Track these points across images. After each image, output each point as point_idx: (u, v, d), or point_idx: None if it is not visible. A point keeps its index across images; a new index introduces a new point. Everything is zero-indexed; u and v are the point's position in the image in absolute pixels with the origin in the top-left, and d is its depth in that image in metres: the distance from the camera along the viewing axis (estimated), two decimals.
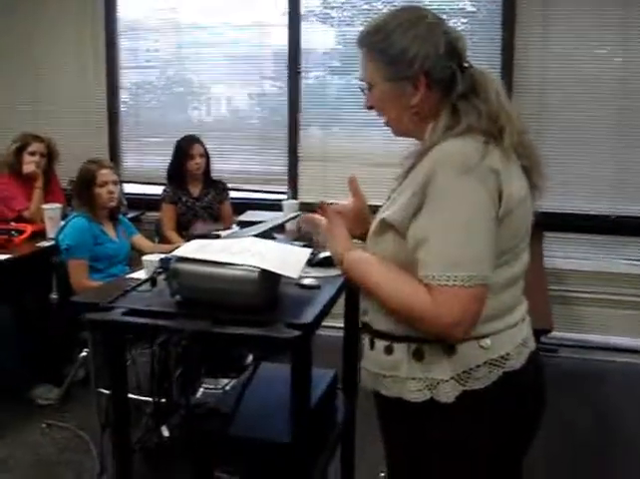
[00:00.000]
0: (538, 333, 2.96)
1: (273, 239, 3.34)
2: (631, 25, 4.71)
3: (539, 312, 3.01)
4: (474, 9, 5.05)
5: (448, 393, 1.63)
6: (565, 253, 5.00)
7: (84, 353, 3.78)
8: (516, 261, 1.69)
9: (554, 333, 4.84)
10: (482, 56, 4.91)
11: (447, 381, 1.63)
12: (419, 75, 1.67)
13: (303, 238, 3.47)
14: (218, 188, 4.99)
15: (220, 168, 5.16)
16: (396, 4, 5.01)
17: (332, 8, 5.29)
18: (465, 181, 1.54)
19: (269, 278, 2.10)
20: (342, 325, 2.95)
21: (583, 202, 4.95)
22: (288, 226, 4.38)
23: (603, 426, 3.96)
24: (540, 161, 1.73)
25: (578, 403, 4.19)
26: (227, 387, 3.33)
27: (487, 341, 1.64)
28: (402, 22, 1.71)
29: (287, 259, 2.17)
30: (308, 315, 2.07)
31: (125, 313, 2.12)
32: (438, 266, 1.54)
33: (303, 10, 5.23)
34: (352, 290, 2.63)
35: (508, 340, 1.68)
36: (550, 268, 4.83)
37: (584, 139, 4.88)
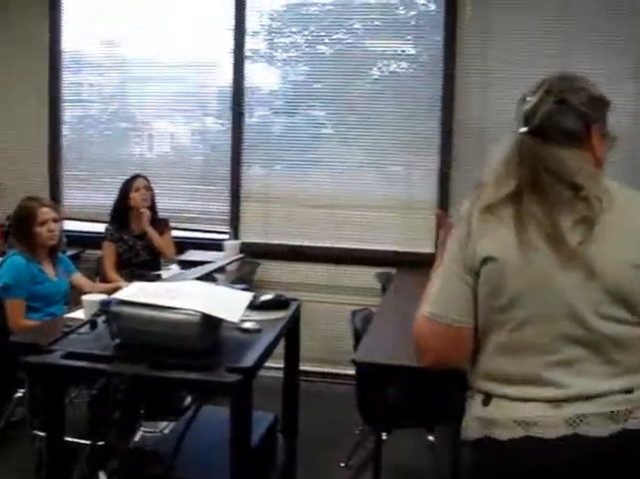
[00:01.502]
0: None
1: (214, 280, 3.35)
2: (570, 67, 4.85)
3: None
4: (414, 52, 5.18)
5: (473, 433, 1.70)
6: None
7: (19, 393, 3.70)
8: (510, 330, 1.65)
9: None
10: (424, 98, 5.04)
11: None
12: None
13: (243, 279, 3.50)
14: (160, 224, 4.97)
15: (162, 206, 5.14)
16: (339, 47, 5.12)
17: (276, 49, 5.36)
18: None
19: (210, 322, 2.11)
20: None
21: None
22: (229, 267, 4.41)
23: None
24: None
25: None
26: (166, 430, 3.30)
27: (477, 397, 1.69)
28: None
29: (228, 303, 2.19)
30: (249, 359, 2.09)
31: (63, 356, 2.11)
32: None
33: (248, 50, 5.29)
34: (292, 333, 2.66)
35: (501, 408, 1.65)
36: None
37: None
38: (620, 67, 4.83)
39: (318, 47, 5.26)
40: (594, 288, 1.58)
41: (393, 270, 4.77)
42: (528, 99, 1.75)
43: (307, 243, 5.19)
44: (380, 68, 5.20)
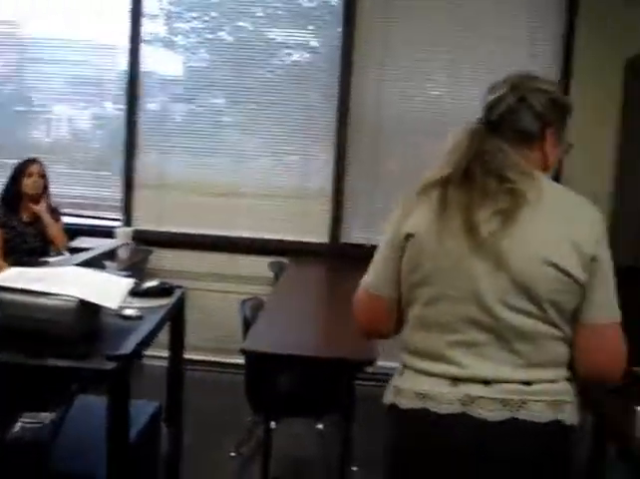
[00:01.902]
0: (361, 365, 3.08)
1: (103, 267, 3.27)
2: (459, 67, 5.01)
3: (364, 344, 3.11)
4: (315, 42, 5.18)
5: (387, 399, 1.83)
6: None
7: None
8: (423, 305, 1.73)
9: (388, 363, 4.99)
10: (322, 89, 5.06)
11: None
12: None
13: (134, 267, 3.42)
14: (53, 213, 4.80)
15: (56, 192, 4.98)
16: (240, 35, 5.07)
17: (176, 34, 5.27)
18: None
19: (88, 309, 2.06)
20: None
21: None
22: (120, 254, 4.31)
23: None
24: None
25: None
26: (47, 421, 3.20)
27: (399, 367, 1.81)
28: None
29: (107, 290, 2.14)
30: (127, 347, 2.04)
31: None
32: None
33: (146, 34, 5.17)
34: (177, 321, 2.62)
35: (408, 379, 1.75)
36: None
37: (415, 173, 5.02)
38: (520, 56, 4.99)
39: (219, 34, 5.20)
40: (502, 278, 1.63)
41: (286, 260, 4.78)
42: (492, 92, 1.81)
43: (201, 232, 5.13)
44: (281, 57, 5.18)
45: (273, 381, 3.11)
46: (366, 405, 4.59)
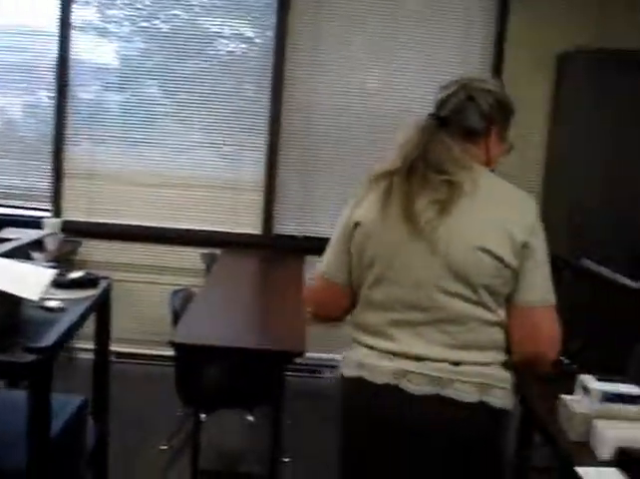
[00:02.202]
0: (291, 356, 3.08)
1: (29, 258, 3.20)
2: (394, 59, 5.04)
3: (294, 336, 3.12)
4: (250, 32, 5.15)
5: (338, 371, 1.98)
6: None
7: None
8: (368, 287, 1.88)
9: (318, 354, 5.01)
10: (256, 79, 5.03)
11: None
12: None
13: (63, 258, 3.35)
14: None
15: None
16: (175, 24, 5.00)
17: (110, 22, 5.17)
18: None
19: (7, 300, 2.01)
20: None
21: None
22: (48, 245, 4.23)
23: None
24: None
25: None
26: None
27: (352, 342, 1.94)
28: None
29: (28, 280, 2.09)
30: (48, 339, 2.00)
31: None
32: None
33: (78, 21, 5.06)
34: (103, 313, 2.58)
35: (354, 351, 1.91)
36: None
37: (347, 164, 5.11)
38: (452, 51, 5.05)
39: (153, 22, 5.12)
40: (437, 264, 1.77)
41: (218, 251, 4.75)
42: (443, 90, 1.92)
43: (133, 223, 5.06)
44: (216, 47, 5.13)
45: (202, 373, 3.08)
46: (297, 397, 4.64)
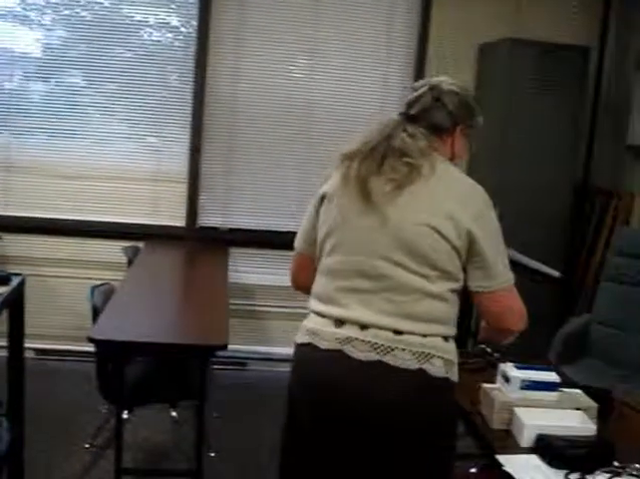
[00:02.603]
0: (212, 349, 3.04)
1: None
2: (318, 49, 5.01)
3: (216, 330, 3.07)
4: (174, 21, 5.05)
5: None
6: (252, 268, 5.15)
7: None
8: (325, 256, 2.02)
9: (244, 347, 4.99)
10: (180, 69, 4.94)
11: None
12: None
13: None
14: None
15: None
16: (98, 12, 4.87)
17: (31, 9, 5.00)
18: None
19: None
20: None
21: (268, 219, 5.14)
22: None
23: None
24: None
25: (269, 415, 4.33)
26: None
27: (309, 313, 2.04)
28: None
29: None
30: None
31: None
32: None
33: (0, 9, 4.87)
34: (16, 310, 2.49)
35: (308, 319, 2.02)
36: (238, 283, 4.97)
37: (271, 156, 5.07)
38: (378, 41, 5.06)
39: (76, 10, 4.96)
40: (387, 235, 1.89)
41: (141, 244, 4.66)
42: (414, 91, 2.08)
43: (53, 216, 4.90)
44: (141, 36, 5.00)
45: (123, 370, 3.01)
46: (224, 390, 4.60)
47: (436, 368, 1.87)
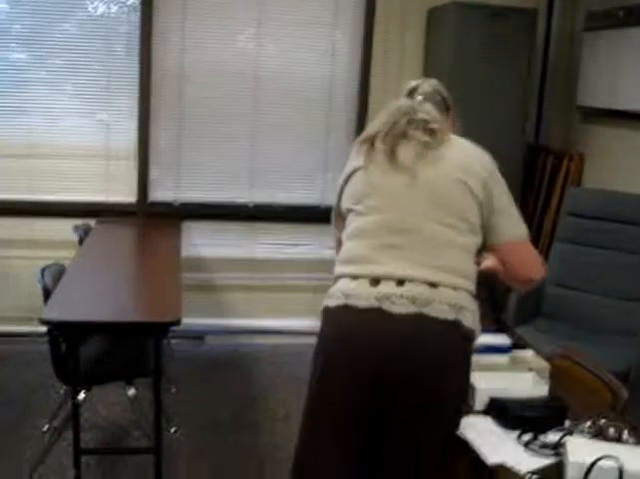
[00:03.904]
0: (166, 326, 3.02)
1: None
2: (269, 17, 4.93)
3: (169, 305, 3.05)
4: None
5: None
6: (207, 241, 5.11)
7: None
8: (354, 221, 2.11)
9: (202, 320, 4.97)
10: (125, 42, 4.83)
11: None
12: None
13: None
14: None
15: None
16: None
17: None
18: None
19: None
20: None
21: (221, 191, 5.09)
22: None
23: (255, 407, 4.13)
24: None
25: (229, 388, 4.34)
26: None
27: (334, 279, 2.11)
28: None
29: None
30: None
31: None
32: None
33: None
34: None
35: (338, 284, 2.07)
36: (194, 257, 4.94)
37: (222, 129, 5.01)
38: (325, 7, 5.01)
39: None
40: (419, 191, 2.02)
41: (93, 222, 4.58)
42: (410, 83, 2.28)
43: (0, 197, 4.80)
44: (86, 8, 4.87)
45: (76, 350, 2.97)
46: (182, 364, 4.58)
47: (468, 320, 1.97)
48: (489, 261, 2.15)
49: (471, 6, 4.66)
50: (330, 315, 2.06)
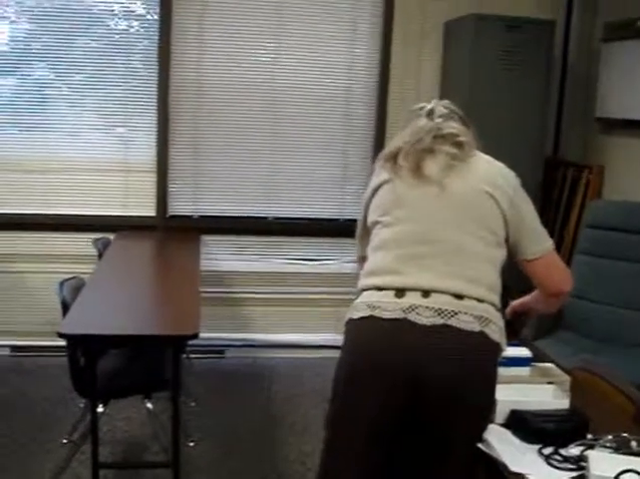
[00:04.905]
0: (184, 339, 3.02)
1: None
2: (284, 31, 4.95)
3: (187, 319, 3.04)
4: (142, 11, 4.96)
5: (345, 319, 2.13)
6: (227, 255, 5.11)
7: None
8: (378, 233, 2.11)
9: (221, 334, 4.97)
10: (144, 57, 4.87)
11: None
12: None
13: None
14: None
15: None
16: (60, 3, 4.77)
17: None
18: None
19: None
20: None
21: (240, 204, 5.09)
22: None
23: (274, 421, 4.12)
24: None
25: (248, 402, 4.34)
26: None
27: (359, 292, 2.11)
28: None
29: None
30: None
31: None
32: None
33: None
34: None
35: (361, 297, 2.08)
36: (213, 271, 4.95)
37: (240, 142, 5.02)
38: (342, 22, 5.02)
39: (39, 2, 4.85)
40: (444, 201, 2.03)
41: (112, 236, 4.60)
42: (425, 104, 2.26)
43: (21, 211, 4.81)
44: (106, 24, 4.91)
45: (94, 364, 2.98)
46: (201, 379, 4.58)
47: (493, 333, 1.96)
48: (517, 301, 2.27)
49: (488, 18, 4.64)
50: (354, 327, 2.05)
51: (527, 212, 2.13)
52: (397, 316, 1.95)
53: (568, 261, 4.55)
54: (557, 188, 5.10)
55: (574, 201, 4.93)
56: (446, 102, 2.29)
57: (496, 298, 2.03)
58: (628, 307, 4.07)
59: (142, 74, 4.91)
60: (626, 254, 4.13)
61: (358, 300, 2.07)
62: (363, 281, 2.11)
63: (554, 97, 5.07)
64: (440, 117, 2.20)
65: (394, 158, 2.14)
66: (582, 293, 4.22)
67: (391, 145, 2.22)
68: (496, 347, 1.99)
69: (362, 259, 2.23)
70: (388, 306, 1.97)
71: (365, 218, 2.22)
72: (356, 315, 2.04)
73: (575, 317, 4.21)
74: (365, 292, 2.07)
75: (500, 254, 2.07)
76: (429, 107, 2.24)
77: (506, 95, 4.68)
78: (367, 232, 2.20)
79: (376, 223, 2.13)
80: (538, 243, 2.13)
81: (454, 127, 2.16)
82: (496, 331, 1.98)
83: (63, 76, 4.88)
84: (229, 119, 4.99)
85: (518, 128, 4.71)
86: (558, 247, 4.83)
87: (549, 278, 2.16)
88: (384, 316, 1.96)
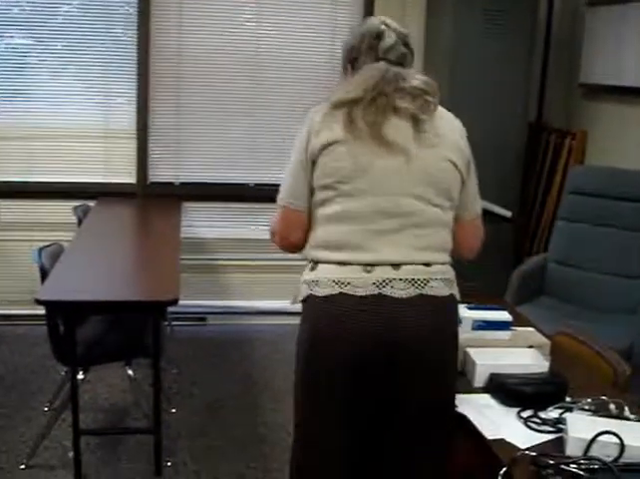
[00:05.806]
0: (163, 305, 3.00)
1: None
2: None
3: (167, 285, 3.03)
4: None
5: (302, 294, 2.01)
6: (208, 222, 5.08)
7: None
8: (339, 203, 1.95)
9: (203, 302, 4.96)
10: (123, 22, 4.77)
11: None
12: (346, 64, 2.19)
13: None
14: None
15: None
16: None
17: None
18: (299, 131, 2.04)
19: None
20: None
21: (221, 171, 5.05)
22: None
23: (256, 387, 4.13)
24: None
25: (230, 369, 4.34)
26: None
27: (309, 264, 2.01)
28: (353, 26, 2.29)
29: None
30: None
31: None
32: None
33: None
34: None
35: (322, 271, 1.96)
36: (194, 238, 4.92)
37: (222, 108, 4.96)
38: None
39: None
40: (411, 173, 1.93)
41: (92, 203, 4.55)
42: (381, 39, 2.07)
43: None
44: None
45: (73, 330, 2.96)
46: (183, 345, 4.58)
47: (457, 292, 2.01)
48: None
49: None
50: (323, 305, 1.93)
51: (474, 172, 2.10)
52: (371, 292, 1.88)
53: (550, 227, 4.56)
54: (540, 153, 5.09)
55: (557, 166, 4.92)
56: (392, 22, 2.13)
57: (449, 257, 2.04)
58: (609, 273, 4.09)
59: (122, 39, 4.82)
60: (608, 220, 4.13)
61: (317, 274, 1.96)
62: (320, 254, 1.99)
63: (538, 62, 5.04)
64: (398, 56, 2.05)
65: (349, 113, 1.94)
66: (564, 259, 4.23)
67: (343, 90, 2.01)
68: (458, 303, 2.04)
69: (291, 212, 2.02)
70: (358, 283, 1.89)
71: (307, 171, 1.99)
72: (321, 292, 1.93)
73: (557, 283, 4.23)
74: (323, 266, 1.97)
75: (452, 215, 2.05)
76: (387, 43, 2.06)
77: (490, 60, 4.64)
78: (310, 189, 2.00)
79: (329, 187, 1.96)
80: (478, 203, 2.15)
81: (417, 78, 2.00)
82: (456, 289, 2.01)
83: (43, 42, 4.79)
84: (211, 85, 4.93)
85: (502, 93, 4.68)
86: (541, 214, 4.89)
87: (474, 239, 2.16)
88: (358, 293, 1.89)
